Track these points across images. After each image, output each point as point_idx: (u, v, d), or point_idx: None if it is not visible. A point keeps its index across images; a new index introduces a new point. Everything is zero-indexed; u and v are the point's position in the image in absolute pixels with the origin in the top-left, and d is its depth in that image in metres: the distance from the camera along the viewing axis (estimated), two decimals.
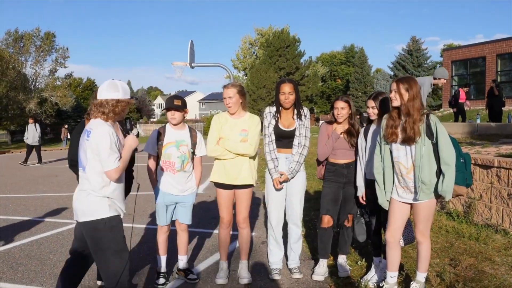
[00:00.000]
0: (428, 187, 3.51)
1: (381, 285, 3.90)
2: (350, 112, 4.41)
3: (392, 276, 3.80)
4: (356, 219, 4.38)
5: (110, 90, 3.17)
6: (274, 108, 4.43)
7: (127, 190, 4.26)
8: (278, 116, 4.39)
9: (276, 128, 4.38)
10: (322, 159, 4.58)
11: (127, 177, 4.20)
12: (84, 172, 3.14)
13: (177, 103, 4.13)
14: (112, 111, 3.14)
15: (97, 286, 4.20)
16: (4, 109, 35.61)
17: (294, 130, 4.37)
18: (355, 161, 4.42)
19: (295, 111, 4.39)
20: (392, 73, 47.36)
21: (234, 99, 4.22)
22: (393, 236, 3.74)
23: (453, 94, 17.04)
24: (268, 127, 4.40)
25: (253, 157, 4.33)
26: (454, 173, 3.48)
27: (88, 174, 3.12)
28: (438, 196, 3.55)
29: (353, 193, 4.44)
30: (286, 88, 4.29)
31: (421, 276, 3.77)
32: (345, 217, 4.52)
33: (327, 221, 4.47)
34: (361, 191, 4.27)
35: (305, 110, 4.45)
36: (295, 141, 4.36)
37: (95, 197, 3.12)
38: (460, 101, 16.10)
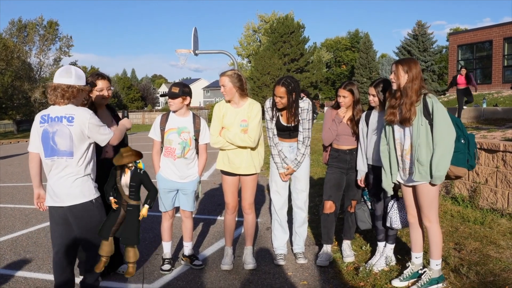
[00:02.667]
0: (424, 168, 3.46)
1: (407, 265, 3.88)
2: (353, 100, 4.40)
3: (417, 257, 3.81)
4: (358, 205, 4.39)
5: (63, 76, 3.27)
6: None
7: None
8: (279, 112, 4.38)
9: (278, 123, 4.39)
10: (327, 144, 4.57)
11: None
12: (71, 158, 3.25)
13: (173, 90, 4.12)
14: (62, 95, 3.23)
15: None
16: (9, 98, 35.70)
17: (296, 125, 4.35)
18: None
19: (292, 111, 4.27)
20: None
21: (227, 87, 4.18)
22: (414, 217, 3.75)
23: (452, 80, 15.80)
24: (271, 121, 4.40)
25: (255, 147, 4.31)
26: (445, 153, 3.38)
27: (75, 158, 3.24)
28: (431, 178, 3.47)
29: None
30: (277, 91, 4.23)
31: (433, 263, 3.65)
32: (348, 203, 4.54)
33: (329, 206, 4.48)
34: (360, 175, 4.29)
35: (305, 104, 4.33)
36: (300, 137, 4.37)
37: (82, 178, 3.29)
38: (458, 87, 14.50)
